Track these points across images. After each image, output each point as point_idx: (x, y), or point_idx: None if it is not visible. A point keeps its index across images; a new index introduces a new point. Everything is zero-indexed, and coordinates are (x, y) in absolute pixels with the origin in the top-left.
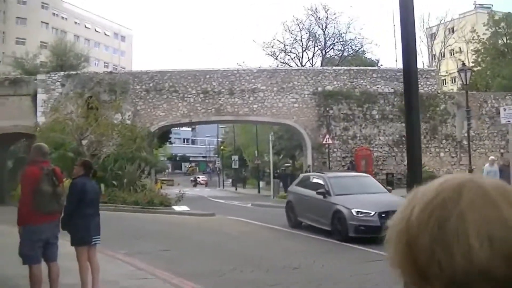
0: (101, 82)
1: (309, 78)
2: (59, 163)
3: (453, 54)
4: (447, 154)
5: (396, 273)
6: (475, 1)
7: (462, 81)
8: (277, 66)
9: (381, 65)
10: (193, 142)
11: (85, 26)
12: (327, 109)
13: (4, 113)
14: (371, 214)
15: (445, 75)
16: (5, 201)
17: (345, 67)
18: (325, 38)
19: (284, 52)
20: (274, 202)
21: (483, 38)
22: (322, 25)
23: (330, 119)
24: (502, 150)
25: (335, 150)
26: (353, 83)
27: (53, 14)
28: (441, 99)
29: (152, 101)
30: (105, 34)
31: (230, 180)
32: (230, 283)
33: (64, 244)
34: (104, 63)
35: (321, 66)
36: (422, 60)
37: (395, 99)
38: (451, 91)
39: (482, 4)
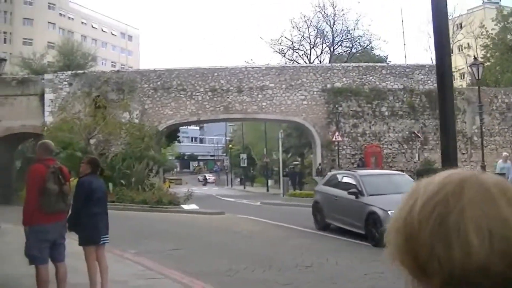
0: (109, 81)
1: (318, 75)
2: (67, 163)
3: (462, 50)
4: (457, 151)
5: (395, 266)
6: None
7: (473, 76)
8: (285, 63)
9: (390, 61)
10: (201, 141)
11: (92, 26)
12: (336, 106)
13: (12, 113)
14: None
15: (454, 71)
16: (12, 201)
17: (354, 64)
18: (333, 35)
19: (292, 50)
20: (284, 200)
21: (492, 34)
22: (330, 21)
23: (339, 116)
24: None
25: (345, 147)
26: (362, 80)
27: (60, 14)
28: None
29: (160, 99)
30: (112, 34)
31: (239, 178)
32: (241, 282)
33: (72, 242)
34: (112, 62)
35: (329, 63)
36: (431, 56)
37: (405, 95)
38: (460, 87)
39: None
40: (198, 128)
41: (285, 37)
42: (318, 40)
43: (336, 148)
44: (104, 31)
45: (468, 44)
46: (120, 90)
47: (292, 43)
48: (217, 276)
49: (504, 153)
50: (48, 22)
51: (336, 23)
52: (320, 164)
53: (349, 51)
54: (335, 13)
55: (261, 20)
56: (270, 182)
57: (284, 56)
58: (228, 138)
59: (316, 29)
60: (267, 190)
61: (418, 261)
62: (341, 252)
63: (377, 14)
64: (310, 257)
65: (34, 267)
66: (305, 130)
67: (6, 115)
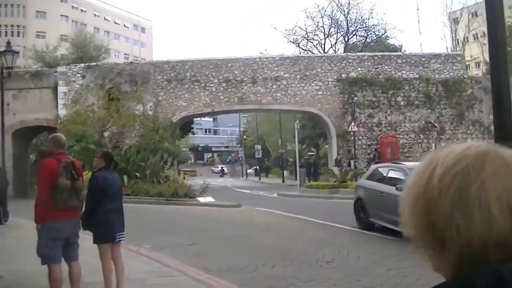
0: (122, 73)
1: (332, 65)
2: (81, 156)
3: (477, 38)
4: (474, 141)
5: (408, 235)
6: None
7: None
8: (300, 53)
9: (405, 50)
10: (215, 132)
11: (105, 18)
12: (352, 96)
13: (25, 106)
14: None
15: (469, 60)
16: (28, 195)
17: (369, 53)
18: (347, 24)
19: (307, 39)
20: (301, 191)
21: (509, 21)
22: (344, 11)
23: (355, 106)
24: None
25: (360, 137)
26: (378, 69)
27: (72, 7)
28: (468, 84)
29: (173, 91)
30: (125, 26)
31: (253, 169)
32: (261, 279)
33: (86, 239)
34: (125, 54)
35: (344, 52)
36: (446, 45)
37: (420, 84)
38: (477, 75)
39: None
40: (211, 119)
41: (299, 27)
42: (332, 29)
43: (352, 138)
44: (116, 23)
45: (484, 32)
46: (133, 82)
47: (306, 32)
48: (237, 273)
49: None
50: (61, 15)
51: (350, 12)
52: (338, 155)
53: (363, 41)
54: (349, 2)
55: (275, 10)
56: (285, 173)
57: (298, 46)
58: (242, 129)
59: (330, 19)
60: (283, 181)
61: (436, 230)
62: (362, 246)
63: (392, 2)
64: (331, 252)
65: (46, 266)
66: (320, 121)
67: (19, 108)
